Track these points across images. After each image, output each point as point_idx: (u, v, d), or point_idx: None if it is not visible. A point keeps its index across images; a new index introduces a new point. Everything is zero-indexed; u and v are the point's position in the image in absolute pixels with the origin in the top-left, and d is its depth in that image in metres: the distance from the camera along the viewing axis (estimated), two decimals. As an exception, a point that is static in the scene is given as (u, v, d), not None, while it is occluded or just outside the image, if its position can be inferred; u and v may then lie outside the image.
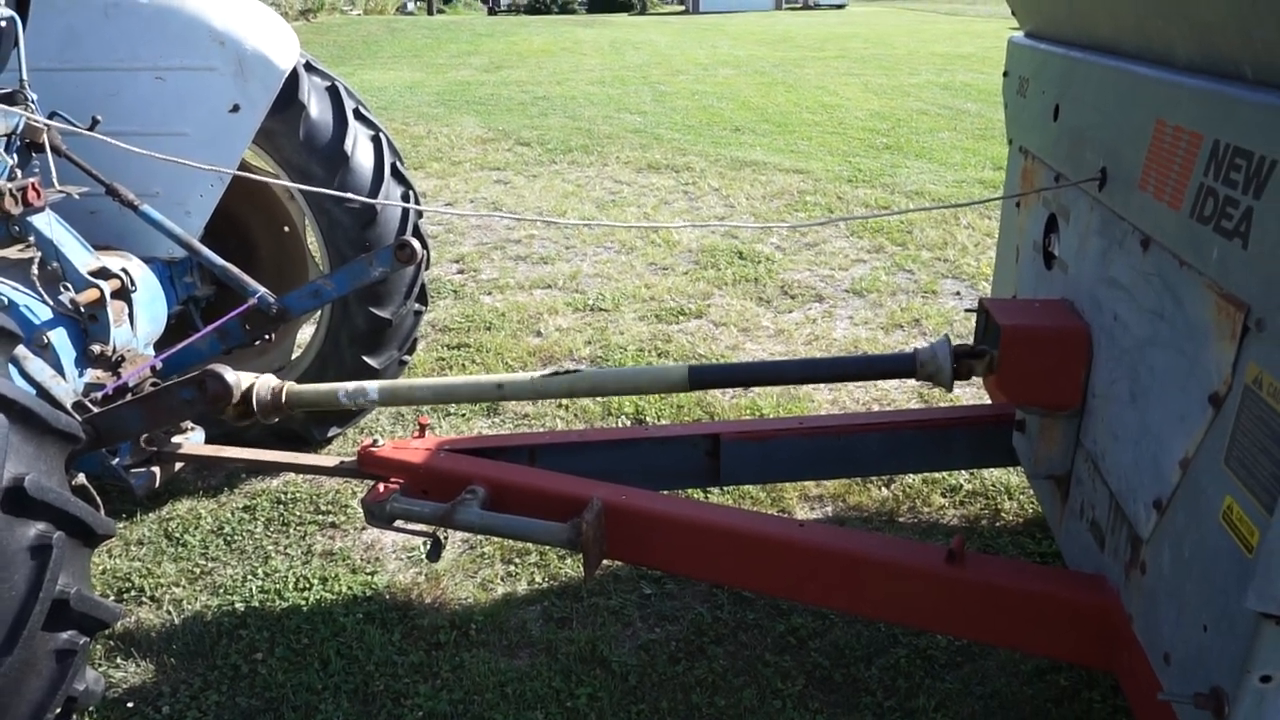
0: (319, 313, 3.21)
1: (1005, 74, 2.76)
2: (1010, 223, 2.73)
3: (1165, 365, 1.57)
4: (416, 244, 2.55)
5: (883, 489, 3.08)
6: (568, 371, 2.27)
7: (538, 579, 2.75)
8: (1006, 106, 2.77)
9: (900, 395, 3.75)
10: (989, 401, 2.60)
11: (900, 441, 2.54)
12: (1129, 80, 1.78)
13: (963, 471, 3.10)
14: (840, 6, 67.43)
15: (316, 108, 3.02)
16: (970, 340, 2.19)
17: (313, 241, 3.27)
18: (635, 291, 5.09)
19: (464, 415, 3.71)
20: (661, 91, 13.95)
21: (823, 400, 3.76)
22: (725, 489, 2.98)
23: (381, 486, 2.30)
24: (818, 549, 2.02)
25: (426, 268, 3.43)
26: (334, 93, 3.13)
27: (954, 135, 9.95)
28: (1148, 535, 1.61)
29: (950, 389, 2.15)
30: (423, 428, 2.50)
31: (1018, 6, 2.66)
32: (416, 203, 3.33)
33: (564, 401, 3.71)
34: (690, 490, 2.90)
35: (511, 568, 2.80)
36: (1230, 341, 1.34)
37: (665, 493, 2.34)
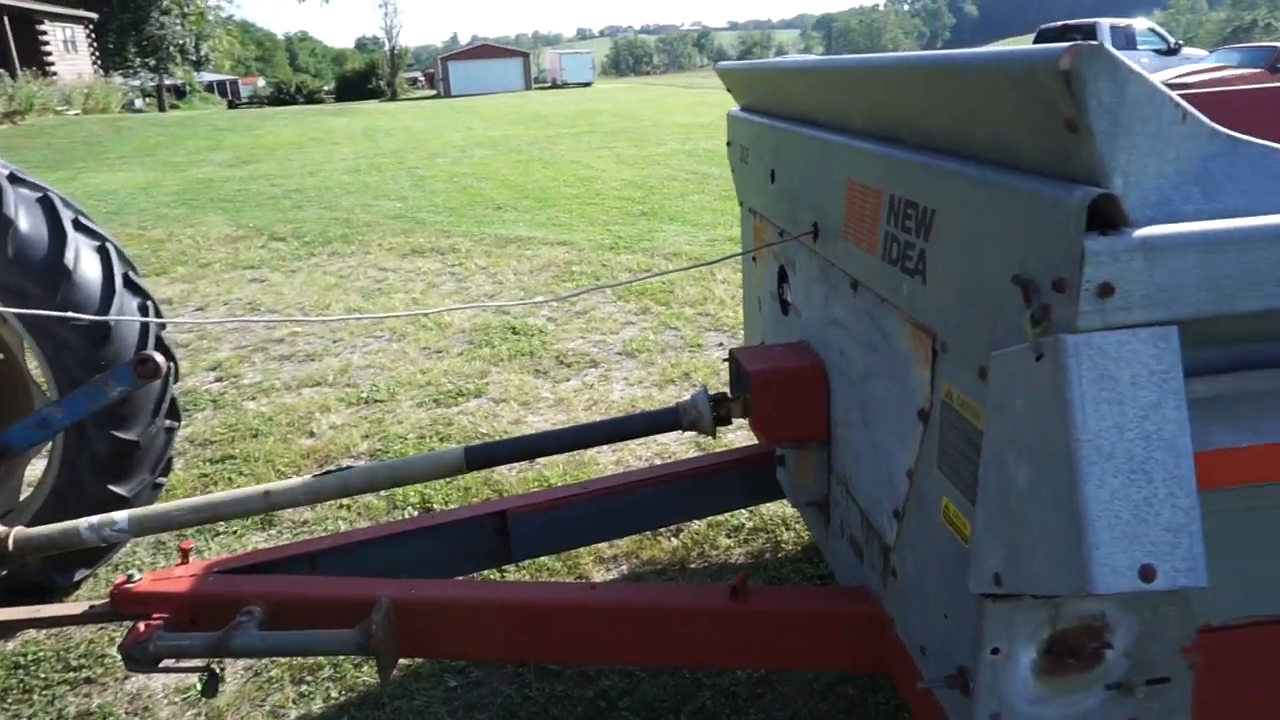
0: (49, 445, 2.90)
1: (729, 143, 3.03)
2: (750, 276, 2.98)
3: (884, 391, 1.78)
4: (159, 358, 2.39)
5: (672, 539, 3.20)
6: (339, 470, 2.20)
7: (334, 694, 2.59)
8: (734, 172, 3.04)
9: (679, 447, 3.93)
10: (755, 442, 2.80)
11: (678, 491, 2.67)
12: (825, 147, 2.02)
13: (743, 510, 3.29)
14: (587, 84, 70.79)
15: (26, 221, 2.77)
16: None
17: (36, 367, 2.96)
18: (411, 378, 5.00)
19: (236, 532, 3.46)
20: (420, 175, 13.93)
21: (608, 462, 3.86)
22: (520, 565, 2.97)
23: (142, 626, 2.10)
24: (611, 609, 2.07)
25: (175, 380, 3.20)
26: (47, 203, 2.89)
27: (702, 198, 10.66)
28: (893, 543, 1.80)
29: (714, 435, 2.30)
30: (185, 553, 2.31)
31: (732, 86, 2.95)
32: (156, 313, 3.11)
33: (345, 501, 3.56)
34: (486, 572, 2.87)
35: (304, 687, 2.62)
36: (926, 364, 1.55)
37: (460, 578, 2.31)
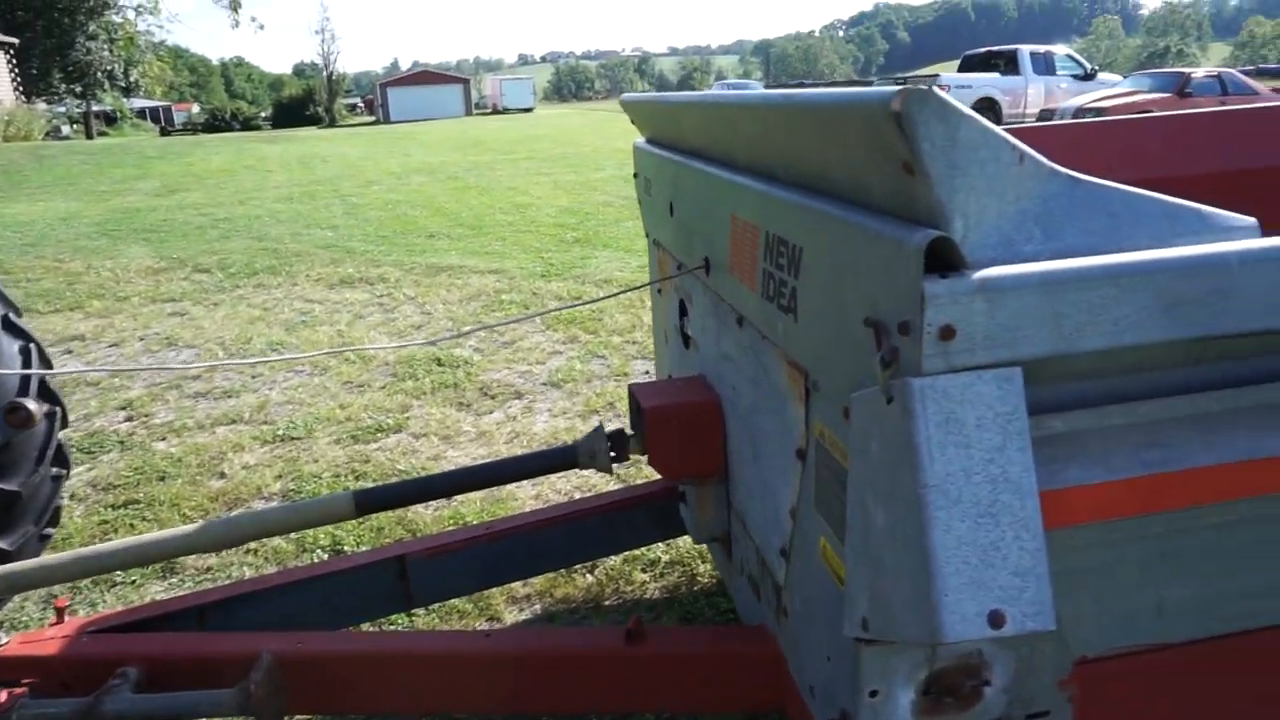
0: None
1: (635, 175, 3.03)
2: (658, 308, 2.96)
3: (769, 427, 1.76)
4: (32, 405, 2.28)
5: (586, 575, 3.14)
6: (224, 518, 2.11)
7: (228, 753, 2.47)
8: (640, 204, 3.03)
9: (601, 480, 3.89)
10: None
11: (587, 529, 2.62)
12: (712, 182, 2.02)
13: (660, 544, 3.25)
14: (528, 110, 70.87)
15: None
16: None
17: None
18: (330, 414, 4.87)
19: (134, 583, 3.31)
20: (354, 204, 13.73)
21: (526, 497, 3.80)
22: (425, 610, 2.89)
23: (4, 694, 1.98)
24: (507, 656, 2.01)
25: (65, 425, 3.06)
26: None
27: (636, 224, 10.68)
28: (784, 582, 1.77)
29: (611, 473, 2.26)
30: (60, 611, 2.20)
31: (634, 117, 2.94)
32: (41, 356, 2.97)
33: (251, 546, 3.43)
34: (388, 619, 2.78)
35: (196, 747, 2.49)
36: (801, 403, 1.54)
37: (353, 630, 2.23)
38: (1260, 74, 42.19)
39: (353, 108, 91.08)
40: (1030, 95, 20.08)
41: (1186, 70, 19.08)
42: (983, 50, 21.66)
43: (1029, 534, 1.08)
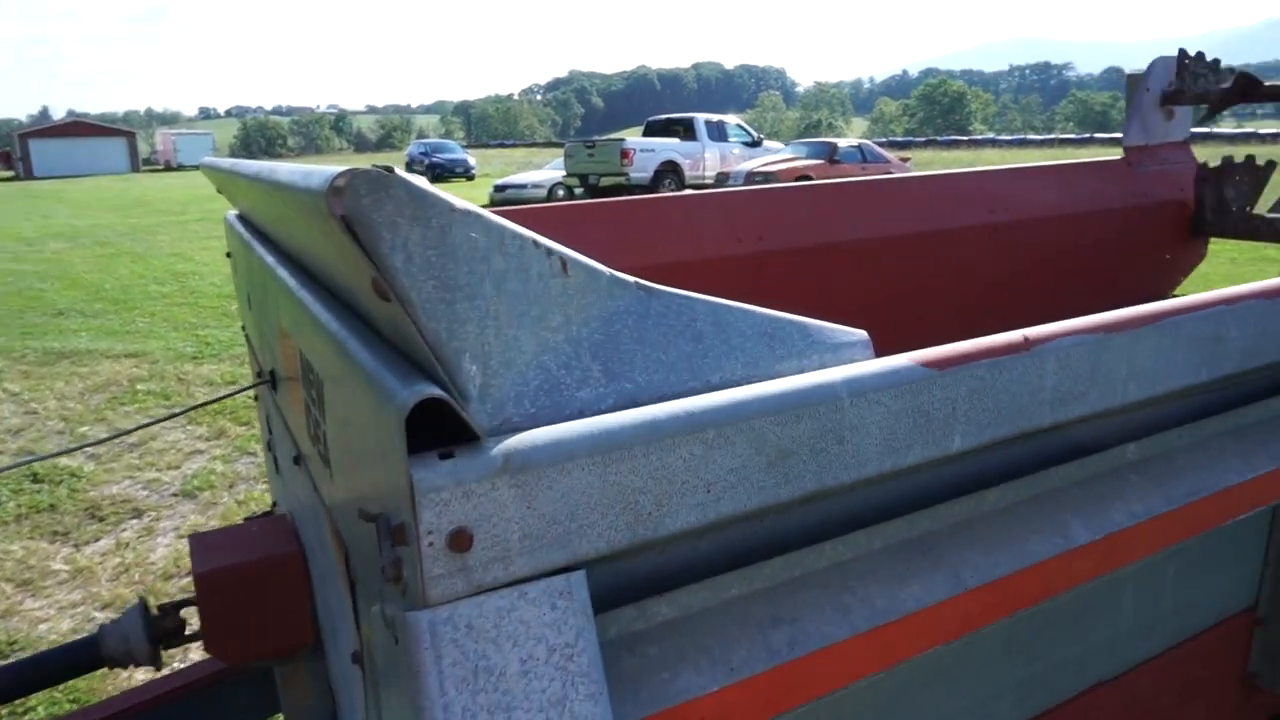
0: None
1: (229, 255, 2.47)
2: (260, 418, 2.41)
3: (335, 608, 1.31)
4: None
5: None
6: None
7: None
8: (238, 290, 2.48)
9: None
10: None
11: (167, 717, 1.99)
12: (266, 273, 1.56)
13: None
14: (208, 167, 65.21)
15: None
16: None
17: None
18: None
19: None
20: (-41, 277, 11.43)
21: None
22: None
23: None
24: None
25: None
26: None
27: (315, 292, 9.81)
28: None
29: (159, 667, 1.68)
30: None
31: (220, 187, 2.40)
32: None
33: None
34: None
35: None
36: (348, 590, 1.11)
37: None
38: (890, 145, 49.34)
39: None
40: (708, 160, 21.60)
41: (833, 140, 21.56)
42: (664, 117, 23.03)
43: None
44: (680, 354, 0.83)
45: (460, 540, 0.69)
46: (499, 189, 22.87)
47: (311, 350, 1.09)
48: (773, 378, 0.86)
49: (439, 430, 0.71)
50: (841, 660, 0.97)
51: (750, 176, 18.38)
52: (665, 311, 0.83)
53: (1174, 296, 3.84)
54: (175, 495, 4.37)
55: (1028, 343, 1.00)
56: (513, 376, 0.75)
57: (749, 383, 0.85)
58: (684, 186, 20.28)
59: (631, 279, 0.82)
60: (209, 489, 4.40)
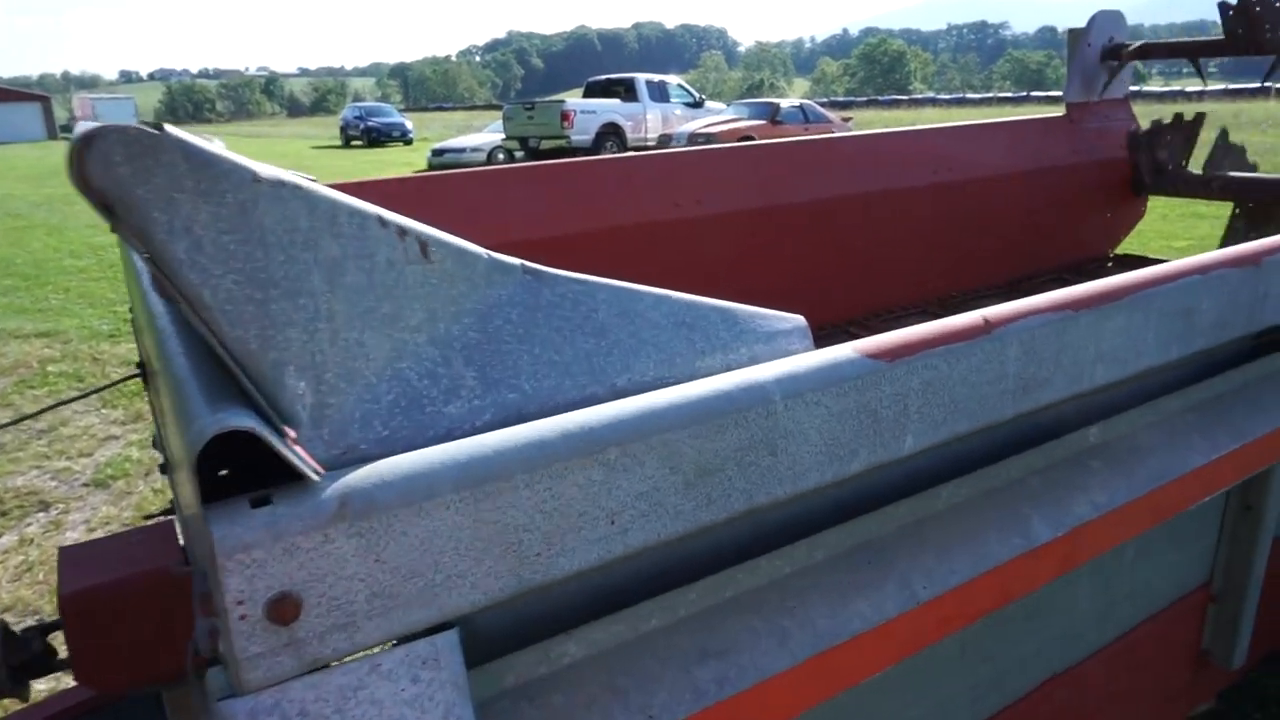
0: None
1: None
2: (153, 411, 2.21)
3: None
4: None
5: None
6: None
7: None
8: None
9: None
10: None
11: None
12: (126, 255, 1.36)
13: None
14: (131, 133, 62.52)
15: None
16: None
17: None
18: None
19: None
20: None
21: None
22: None
23: None
24: None
25: None
26: None
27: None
28: None
29: (25, 698, 1.49)
30: None
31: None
32: None
33: None
34: None
35: None
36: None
37: None
38: (832, 105, 49.38)
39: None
40: (650, 121, 21.28)
41: (776, 101, 21.40)
42: (605, 77, 22.59)
43: None
44: (578, 353, 0.68)
45: (283, 609, 0.53)
46: (436, 153, 22.31)
47: (147, 347, 0.92)
48: (693, 377, 0.72)
49: (265, 467, 0.56)
50: (780, 695, 0.84)
51: (693, 138, 18.15)
52: (559, 301, 0.68)
53: (1112, 258, 3.79)
54: (86, 485, 4.11)
55: (988, 325, 0.87)
56: (358, 392, 0.59)
57: (663, 385, 0.70)
58: (626, 149, 19.98)
59: (517, 262, 0.67)
60: (123, 477, 4.15)
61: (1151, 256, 3.59)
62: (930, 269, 3.22)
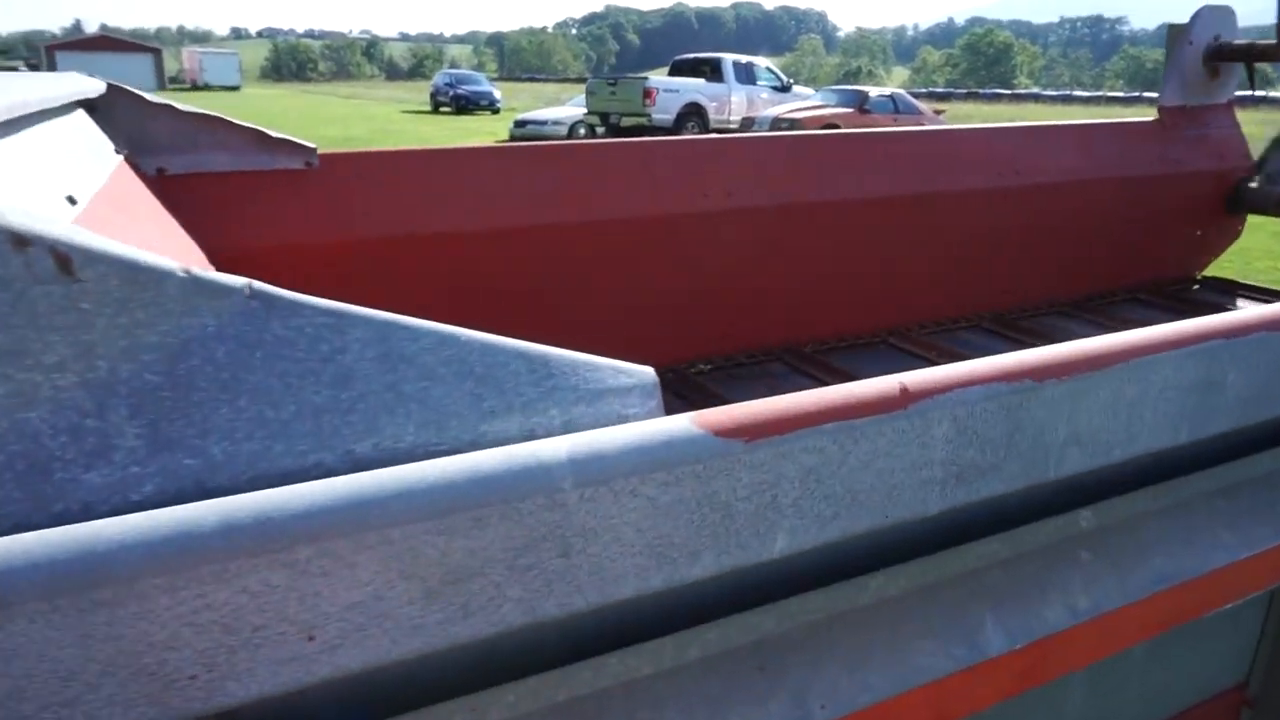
0: None
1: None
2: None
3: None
4: None
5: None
6: None
7: None
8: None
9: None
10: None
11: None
12: None
13: None
14: (234, 88, 64.56)
15: None
16: None
17: None
18: None
19: None
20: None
21: None
22: None
23: None
24: None
25: None
26: None
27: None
28: None
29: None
30: None
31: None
32: None
33: None
34: None
35: None
36: None
37: None
38: (930, 96, 47.84)
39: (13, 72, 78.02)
40: (734, 103, 20.88)
41: (865, 89, 20.75)
42: (691, 56, 22.24)
43: None
44: (307, 408, 0.51)
45: None
46: (519, 124, 22.37)
47: None
48: (473, 446, 0.54)
49: None
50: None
51: (776, 122, 17.72)
52: (293, 338, 0.51)
53: (1199, 280, 3.42)
54: None
55: (905, 396, 0.66)
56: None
57: (428, 455, 0.52)
58: (708, 130, 19.65)
59: (241, 282, 0.49)
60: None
61: (1246, 283, 3.24)
62: (987, 280, 2.94)
